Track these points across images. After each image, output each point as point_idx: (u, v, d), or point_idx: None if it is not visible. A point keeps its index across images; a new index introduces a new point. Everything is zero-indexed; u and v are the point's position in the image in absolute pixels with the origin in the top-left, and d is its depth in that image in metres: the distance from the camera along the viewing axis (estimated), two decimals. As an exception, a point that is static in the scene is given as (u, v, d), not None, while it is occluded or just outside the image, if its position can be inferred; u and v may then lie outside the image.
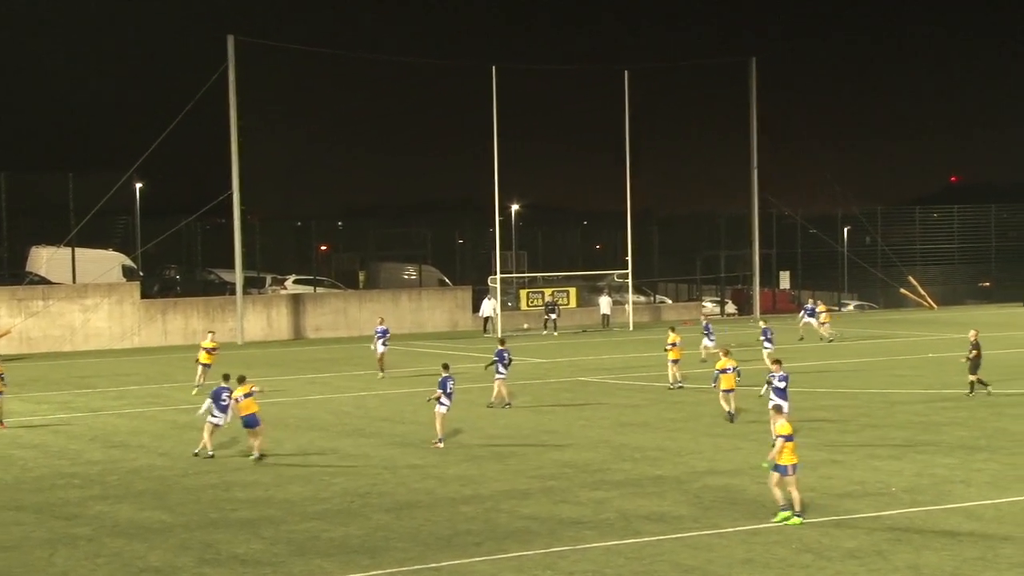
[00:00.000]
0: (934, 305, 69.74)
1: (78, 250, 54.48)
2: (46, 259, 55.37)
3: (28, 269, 56.05)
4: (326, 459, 24.83)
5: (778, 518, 18.52)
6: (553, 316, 57.45)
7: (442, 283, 64.75)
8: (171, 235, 56.64)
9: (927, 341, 48.74)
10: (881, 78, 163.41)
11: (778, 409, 19.52)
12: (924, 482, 21.37)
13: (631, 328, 58.20)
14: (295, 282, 62.14)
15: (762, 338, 38.84)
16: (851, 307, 72.85)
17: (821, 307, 50.42)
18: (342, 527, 18.94)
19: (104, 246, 57.49)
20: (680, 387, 34.37)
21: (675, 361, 34.69)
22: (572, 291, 61.84)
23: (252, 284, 58.51)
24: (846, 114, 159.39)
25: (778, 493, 18.63)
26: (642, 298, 66.23)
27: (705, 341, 40.93)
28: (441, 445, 25.57)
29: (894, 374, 37.88)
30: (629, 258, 59.64)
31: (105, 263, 55.62)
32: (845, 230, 73.31)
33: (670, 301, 69.65)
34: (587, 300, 63.01)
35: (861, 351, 45.70)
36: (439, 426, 25.75)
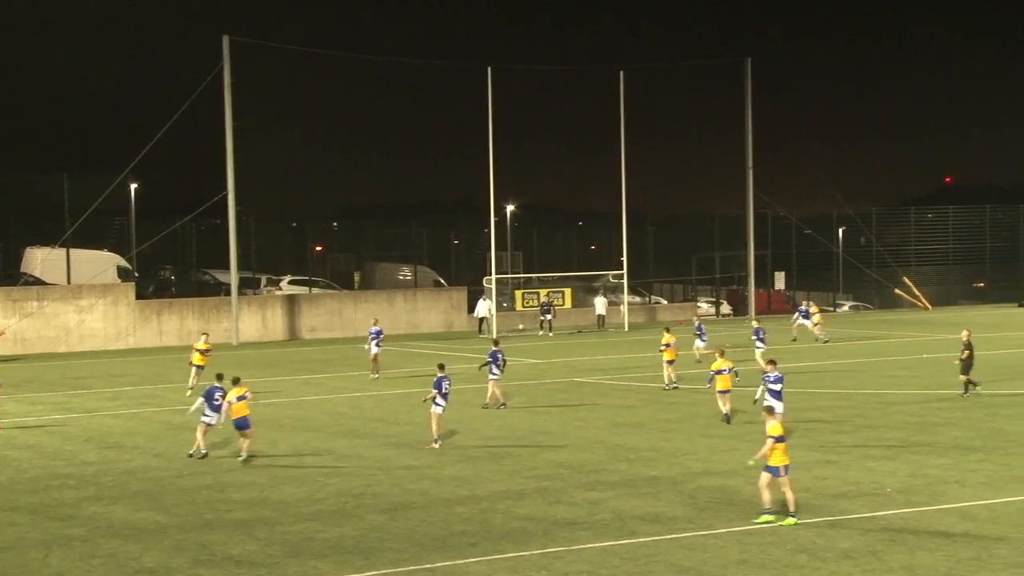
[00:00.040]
0: (929, 306, 69.84)
1: (73, 251, 54.45)
2: (41, 260, 55.34)
3: (23, 270, 56.03)
4: (321, 460, 24.83)
5: (759, 520, 18.52)
6: (548, 317, 57.45)
7: (437, 284, 64.75)
8: (166, 236, 56.63)
9: (922, 342, 48.80)
10: (876, 79, 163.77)
11: (769, 410, 19.51)
12: (919, 482, 21.40)
13: (626, 329, 58.22)
14: (290, 283, 62.12)
15: (754, 338, 38.90)
16: (846, 308, 72.95)
17: (814, 308, 50.52)
18: (337, 528, 18.94)
19: (99, 247, 57.44)
20: (675, 388, 34.39)
21: (670, 362, 34.70)
22: (567, 292, 61.87)
23: (247, 285, 58.47)
24: (841, 115, 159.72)
25: (766, 495, 18.62)
26: (637, 299, 66.28)
27: (697, 342, 41.02)
28: (436, 446, 25.56)
29: (889, 375, 37.92)
30: (624, 259, 59.69)
31: (100, 264, 55.58)
32: (840, 231, 73.41)
33: (665, 302, 69.72)
34: (582, 301, 63.03)
35: (856, 352, 45.75)
36: (435, 426, 25.75)
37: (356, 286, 65.13)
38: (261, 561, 17.16)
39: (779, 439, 18.62)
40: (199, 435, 25.05)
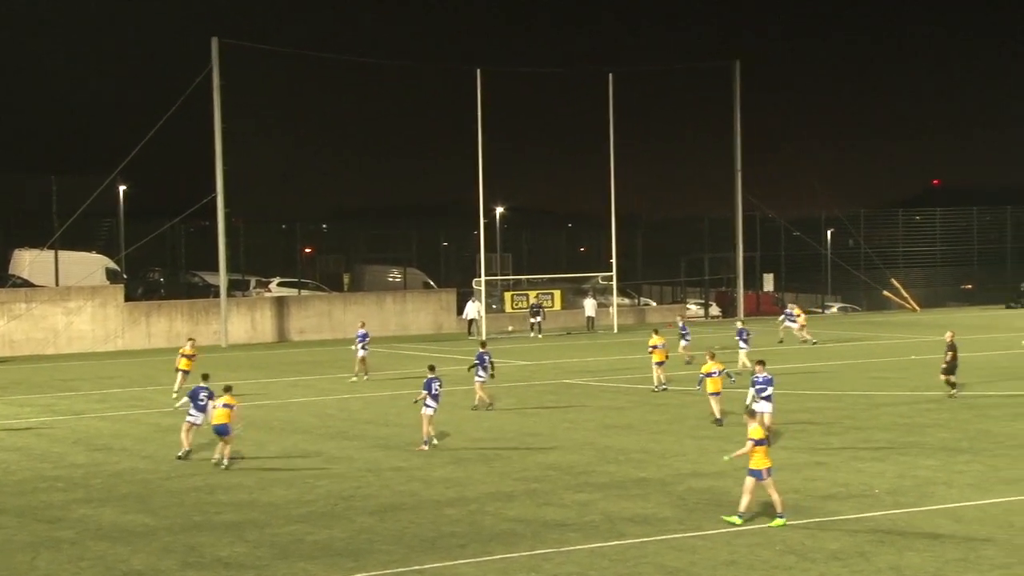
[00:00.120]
0: (917, 307, 70.01)
1: (61, 253, 54.32)
2: (29, 261, 55.20)
3: (11, 272, 55.89)
4: (310, 462, 24.81)
5: (728, 518, 18.57)
6: (538, 319, 57.47)
7: (427, 286, 64.74)
8: (155, 238, 56.49)
9: (910, 343, 48.93)
10: (864, 82, 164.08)
11: (751, 413, 19.51)
12: (907, 484, 21.46)
13: (615, 330, 58.27)
14: (279, 285, 62.02)
15: (737, 338, 38.97)
16: (834, 309, 73.10)
17: (797, 311, 50.73)
18: (326, 530, 18.93)
19: (87, 248, 57.28)
20: (664, 389, 34.43)
21: (660, 363, 34.76)
22: (557, 293, 61.89)
23: (236, 287, 58.36)
24: (829, 118, 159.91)
25: (745, 499, 18.64)
26: (626, 300, 66.33)
27: (682, 342, 41.15)
28: (426, 448, 25.57)
29: (877, 376, 38.02)
30: (613, 261, 59.74)
31: (88, 266, 55.43)
32: (828, 233, 73.57)
33: (654, 303, 69.78)
34: (572, 302, 63.07)
35: (844, 353, 45.85)
36: (425, 428, 25.73)
37: (345, 288, 65.07)
38: (250, 563, 17.14)
39: (759, 442, 18.64)
40: (183, 434, 25.07)
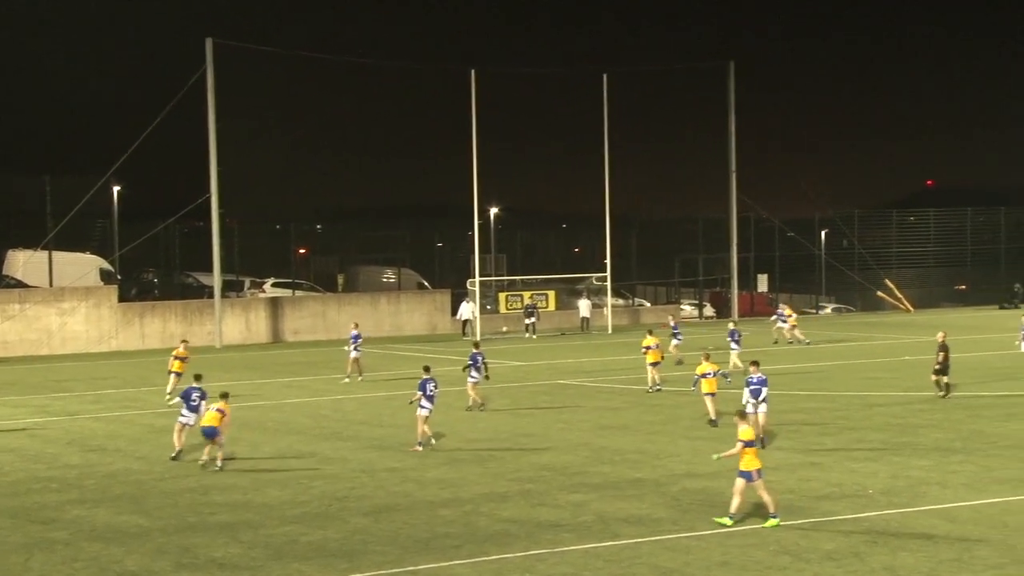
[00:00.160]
0: (911, 308, 70.11)
1: (55, 253, 54.24)
2: (23, 262, 55.12)
3: (5, 272, 55.84)
4: (304, 463, 24.80)
5: (719, 519, 18.58)
6: (532, 319, 57.48)
7: (421, 286, 64.75)
8: (149, 238, 56.46)
9: (904, 344, 49.00)
10: (859, 83, 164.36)
11: (741, 415, 19.52)
12: (900, 484, 21.49)
13: (610, 331, 58.29)
14: (274, 285, 62.00)
15: (729, 339, 38.99)
16: (828, 310, 73.20)
17: (788, 311, 50.82)
18: (320, 531, 18.92)
19: (81, 249, 57.25)
20: (659, 390, 34.45)
21: (654, 364, 34.78)
22: (551, 294, 61.89)
23: (230, 287, 58.32)
24: (823, 118, 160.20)
25: (736, 500, 18.65)
26: (621, 301, 66.36)
27: (673, 342, 41.19)
28: (420, 449, 25.56)
29: (871, 377, 38.07)
30: (608, 261, 59.75)
31: (82, 266, 55.40)
32: (823, 233, 73.66)
33: (649, 304, 69.82)
34: (566, 303, 63.10)
35: (838, 354, 45.90)
36: (420, 429, 25.72)
37: (340, 289, 65.04)
38: (244, 564, 17.14)
39: (749, 443, 18.66)
40: (175, 435, 25.06)
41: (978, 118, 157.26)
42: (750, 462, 18.57)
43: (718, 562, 16.71)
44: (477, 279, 57.37)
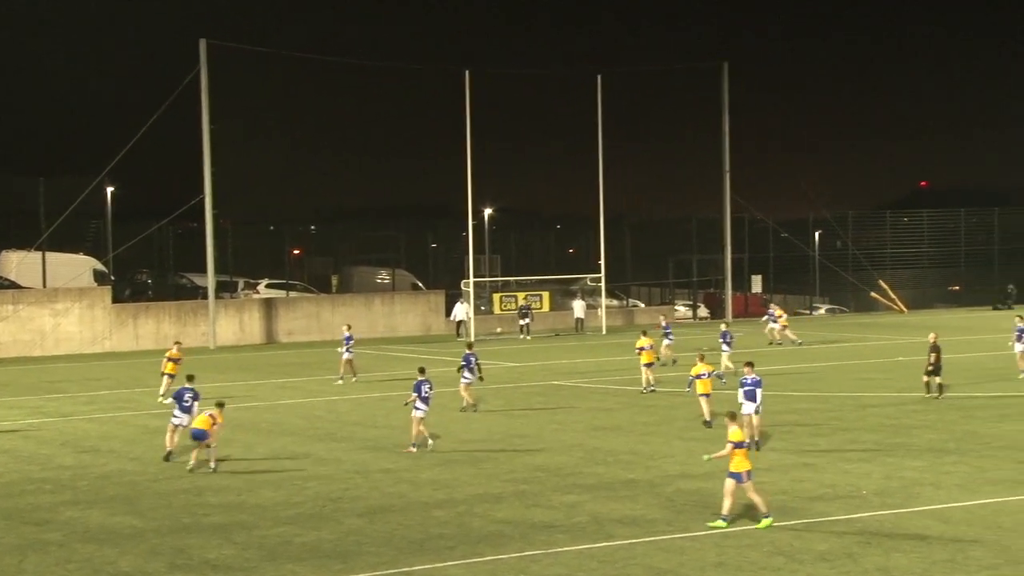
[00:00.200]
0: (904, 309, 70.19)
1: (49, 254, 54.15)
2: (16, 263, 55.01)
3: (-2, 273, 55.68)
4: (298, 464, 24.78)
5: (713, 523, 18.57)
6: (526, 320, 57.48)
7: (415, 287, 64.70)
8: (143, 239, 56.38)
9: (897, 345, 49.06)
10: (853, 84, 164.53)
11: (732, 416, 19.53)
12: (894, 485, 21.52)
13: (604, 332, 58.30)
14: (268, 286, 61.91)
15: (721, 340, 39.02)
16: (822, 311, 73.25)
17: (778, 312, 50.87)
18: (314, 532, 18.92)
19: (75, 250, 57.13)
20: (653, 391, 34.46)
21: (648, 365, 34.80)
22: (545, 295, 61.91)
23: (224, 288, 58.27)
24: (817, 119, 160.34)
25: (727, 501, 18.66)
26: (615, 302, 66.37)
27: (664, 342, 41.23)
28: (414, 450, 25.55)
29: (865, 377, 38.12)
30: (602, 262, 59.77)
31: (76, 267, 55.28)
32: (816, 234, 73.73)
33: (643, 305, 69.83)
34: (560, 304, 63.11)
35: (832, 354, 45.95)
36: (415, 430, 25.68)
37: (334, 290, 64.99)
38: (238, 565, 17.13)
39: (739, 444, 18.68)
40: (168, 436, 25.05)
41: (978, 118, 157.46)
42: (740, 463, 18.60)
43: (712, 563, 16.73)
44: (471, 280, 57.36)
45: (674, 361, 40.14)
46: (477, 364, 31.76)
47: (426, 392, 25.67)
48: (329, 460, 25.03)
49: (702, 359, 28.89)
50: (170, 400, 25.05)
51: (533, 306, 59.61)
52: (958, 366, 38.18)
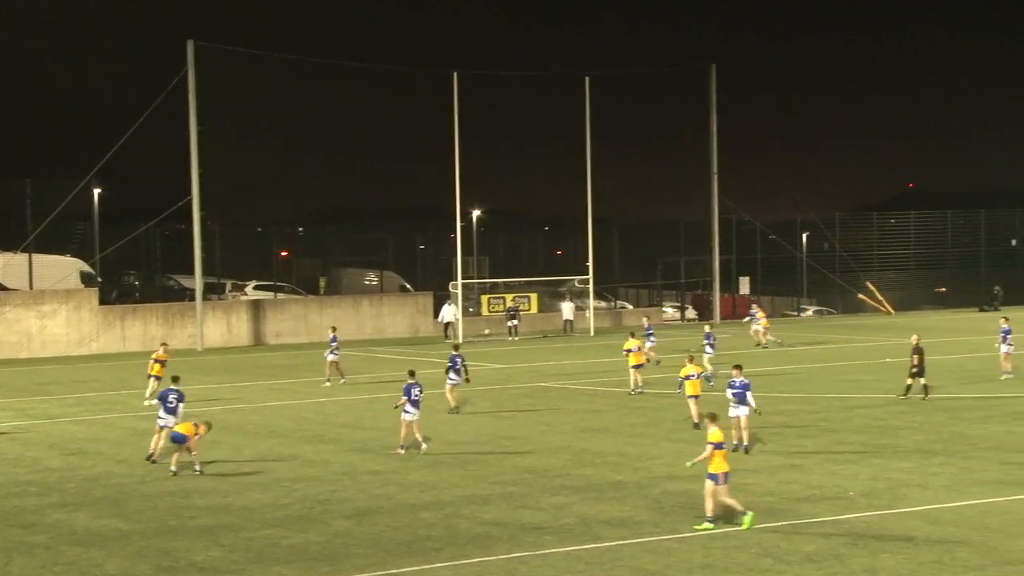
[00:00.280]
0: (891, 310, 70.36)
1: (35, 256, 53.97)
2: (2, 265, 54.78)
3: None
4: (286, 466, 24.74)
5: (700, 527, 18.57)
6: (514, 322, 57.48)
7: (403, 289, 64.66)
8: (130, 241, 56.27)
9: (884, 346, 49.15)
10: (839, 85, 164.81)
11: (712, 417, 19.53)
12: (881, 486, 21.56)
13: (592, 333, 58.31)
14: (255, 288, 61.81)
15: (705, 342, 39.04)
16: (810, 312, 73.37)
17: (760, 313, 50.97)
18: (301, 534, 18.89)
19: (62, 252, 56.95)
20: (641, 392, 34.48)
21: (637, 366, 34.81)
22: (534, 297, 61.92)
23: (212, 290, 58.17)
24: (804, 121, 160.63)
25: (709, 503, 18.67)
26: (603, 303, 66.41)
27: (647, 343, 41.18)
28: (402, 452, 25.52)
29: (852, 379, 38.19)
30: (590, 263, 59.79)
31: (63, 269, 55.11)
32: (804, 236, 73.86)
33: (631, 307, 69.88)
34: (548, 305, 63.11)
35: (819, 356, 46.03)
36: (403, 433, 25.63)
37: (322, 291, 64.91)
38: (225, 567, 17.09)
39: (718, 446, 18.71)
40: (155, 438, 25.01)
41: (959, 121, 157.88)
42: (719, 464, 18.63)
43: (700, 564, 16.75)
44: (459, 281, 57.34)
45: (657, 362, 40.17)
46: (464, 366, 31.77)
47: (416, 395, 25.61)
48: (317, 462, 24.99)
49: (691, 360, 28.93)
50: (155, 402, 24.97)
51: (521, 308, 59.62)
52: (944, 367, 38.29)
